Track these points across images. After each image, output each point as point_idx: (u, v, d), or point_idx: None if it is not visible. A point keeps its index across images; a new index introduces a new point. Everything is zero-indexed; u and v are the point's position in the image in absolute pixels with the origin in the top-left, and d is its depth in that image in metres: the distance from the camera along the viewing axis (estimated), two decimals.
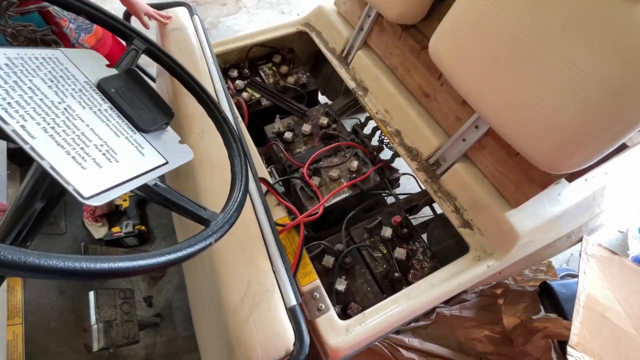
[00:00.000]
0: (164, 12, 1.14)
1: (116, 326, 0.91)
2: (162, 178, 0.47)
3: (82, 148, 0.38)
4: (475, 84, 0.77)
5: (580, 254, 0.96)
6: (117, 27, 0.58)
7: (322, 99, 1.67)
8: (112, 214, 1.46)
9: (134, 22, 0.89)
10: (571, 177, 0.78)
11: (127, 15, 1.10)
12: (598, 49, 0.57)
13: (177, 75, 0.66)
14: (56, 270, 0.27)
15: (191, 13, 1.17)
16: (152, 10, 1.09)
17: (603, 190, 0.95)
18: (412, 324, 1.32)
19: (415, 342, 1.23)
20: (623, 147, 0.65)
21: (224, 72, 1.32)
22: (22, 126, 0.35)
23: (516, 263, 0.98)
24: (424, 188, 1.05)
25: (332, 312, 0.78)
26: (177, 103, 0.97)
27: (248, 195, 0.80)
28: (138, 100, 0.48)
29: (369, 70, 1.16)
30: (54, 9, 0.98)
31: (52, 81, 0.42)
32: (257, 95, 1.28)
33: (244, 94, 1.26)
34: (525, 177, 0.81)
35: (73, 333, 1.13)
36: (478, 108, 0.80)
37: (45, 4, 0.94)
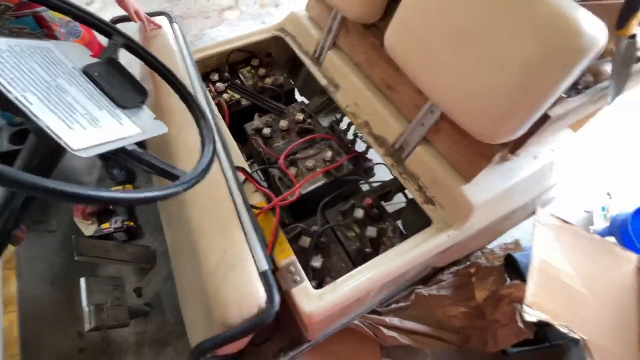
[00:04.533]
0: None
1: (107, 309, 0.97)
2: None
3: (70, 115, 0.46)
4: (424, 71, 0.87)
5: (534, 224, 1.04)
6: (100, 26, 0.67)
7: (302, 100, 1.76)
8: (101, 212, 1.50)
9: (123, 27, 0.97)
10: (513, 149, 0.87)
11: (116, 21, 1.18)
12: (514, 31, 0.67)
13: (150, 64, 0.74)
14: (49, 190, 0.35)
15: (170, 21, 1.26)
16: (141, 12, 1.15)
17: (551, 165, 1.05)
18: (393, 305, 1.38)
19: (395, 320, 1.30)
20: (546, 118, 0.75)
21: (206, 76, 1.40)
22: (23, 95, 0.43)
23: (480, 234, 1.06)
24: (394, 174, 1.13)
25: (307, 283, 0.85)
26: (159, 103, 1.05)
27: (224, 178, 0.88)
28: (117, 82, 0.56)
29: (338, 68, 1.25)
30: (47, 14, 1.07)
31: (45, 65, 0.50)
32: (237, 96, 1.36)
33: (225, 95, 1.34)
34: (476, 153, 0.90)
35: (66, 322, 1.17)
36: (429, 93, 0.89)
37: (39, 9, 1.03)
